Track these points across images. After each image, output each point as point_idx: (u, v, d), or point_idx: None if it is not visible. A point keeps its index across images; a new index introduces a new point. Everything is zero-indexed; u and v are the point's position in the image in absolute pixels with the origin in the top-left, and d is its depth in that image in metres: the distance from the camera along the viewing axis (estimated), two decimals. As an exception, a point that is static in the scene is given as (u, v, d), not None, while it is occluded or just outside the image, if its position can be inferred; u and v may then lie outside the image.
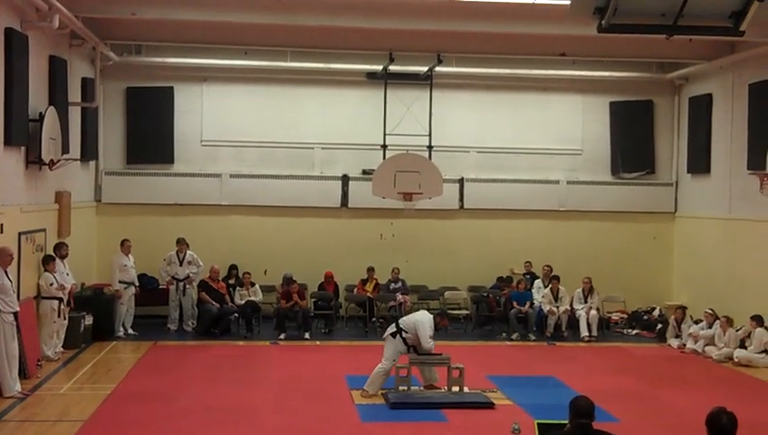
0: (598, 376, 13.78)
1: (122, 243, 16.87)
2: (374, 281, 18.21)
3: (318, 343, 16.58)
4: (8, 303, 11.49)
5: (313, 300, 17.97)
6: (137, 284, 17.07)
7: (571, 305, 17.79)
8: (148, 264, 17.48)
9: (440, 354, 12.24)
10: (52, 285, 13.69)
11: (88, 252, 17.57)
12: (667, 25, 13.30)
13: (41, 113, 13.72)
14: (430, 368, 12.37)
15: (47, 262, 13.71)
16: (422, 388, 12.28)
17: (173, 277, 17.34)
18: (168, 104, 18.96)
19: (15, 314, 11.61)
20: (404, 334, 12.14)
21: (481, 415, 11.10)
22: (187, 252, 17.47)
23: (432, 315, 12.57)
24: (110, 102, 18.81)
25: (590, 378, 13.42)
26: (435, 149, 18.57)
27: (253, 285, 17.67)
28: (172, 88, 18.99)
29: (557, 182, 19.92)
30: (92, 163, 18.32)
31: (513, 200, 19.62)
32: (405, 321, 12.48)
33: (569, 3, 9.74)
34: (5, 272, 11.56)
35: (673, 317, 17.22)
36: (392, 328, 12.38)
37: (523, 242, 19.53)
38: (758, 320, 15.16)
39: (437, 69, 18.20)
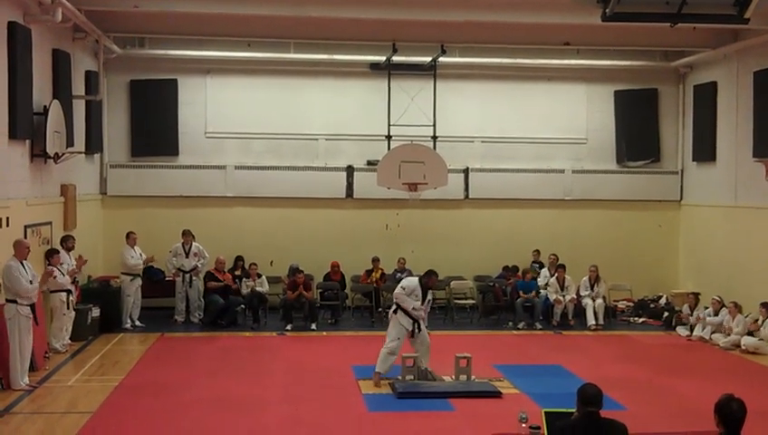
0: (605, 365, 13.77)
1: (128, 235, 16.92)
2: (379, 271, 18.23)
3: (324, 333, 16.61)
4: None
5: (320, 290, 18.00)
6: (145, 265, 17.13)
7: (577, 294, 17.80)
8: (154, 256, 17.45)
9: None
10: (55, 277, 13.66)
11: (94, 244, 17.58)
12: (671, 14, 13.33)
13: (45, 107, 13.73)
14: (423, 353, 12.39)
15: (51, 255, 13.62)
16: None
17: (179, 269, 17.37)
18: (172, 96, 18.95)
19: (32, 306, 11.66)
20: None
21: (488, 404, 11.11)
22: (193, 244, 17.49)
23: (417, 277, 12.81)
24: (114, 95, 18.81)
25: (596, 366, 13.41)
26: (439, 139, 18.55)
27: (259, 276, 17.70)
28: (176, 80, 18.98)
29: (562, 171, 19.91)
30: (97, 156, 18.35)
31: (518, 190, 19.62)
32: None
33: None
34: (22, 263, 11.61)
35: (686, 305, 17.13)
36: (393, 306, 12.59)
37: (529, 231, 19.54)
38: (768, 307, 15.16)
39: (441, 59, 18.15)
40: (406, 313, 12.34)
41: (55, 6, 13.49)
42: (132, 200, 18.70)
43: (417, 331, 12.36)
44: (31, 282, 11.66)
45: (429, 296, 12.64)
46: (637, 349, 15.60)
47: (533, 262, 18.94)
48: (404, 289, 12.45)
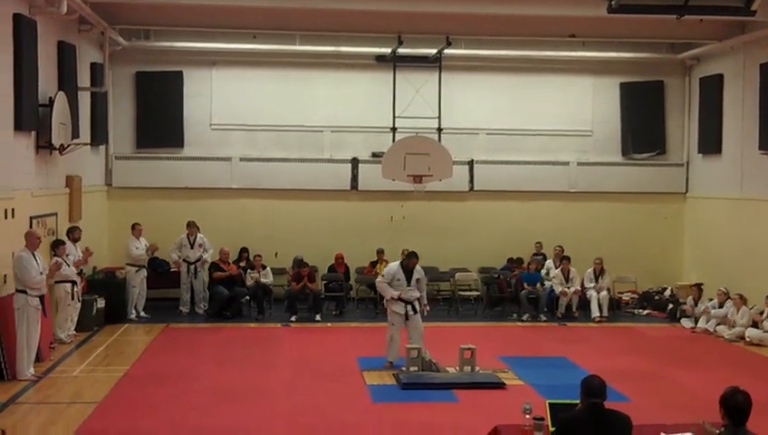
0: (609, 356, 13.77)
1: (133, 226, 16.96)
2: (383, 263, 18.20)
3: (329, 324, 16.64)
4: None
5: (324, 282, 18.02)
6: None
7: (582, 286, 17.80)
8: (157, 244, 17.42)
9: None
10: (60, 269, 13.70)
11: (99, 236, 17.61)
12: (677, 5, 13.29)
13: (50, 98, 13.74)
14: (416, 339, 12.56)
15: (57, 246, 13.63)
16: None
17: (184, 260, 17.41)
18: (178, 88, 18.95)
19: (41, 297, 11.70)
20: None
21: (492, 395, 11.14)
22: (198, 235, 17.51)
23: (397, 262, 13.10)
24: (120, 87, 18.82)
25: (601, 358, 13.41)
26: (444, 131, 18.54)
27: (264, 267, 17.73)
28: (181, 72, 18.98)
29: (567, 164, 19.87)
30: (102, 148, 18.36)
31: (523, 182, 19.59)
32: None
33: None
34: (33, 254, 11.65)
35: (690, 297, 17.14)
36: None
37: (534, 223, 19.51)
38: (775, 299, 15.13)
39: (446, 51, 18.10)
40: (398, 297, 12.59)
41: (61, -2, 13.50)
42: (137, 192, 18.71)
43: (411, 313, 12.60)
44: (42, 273, 11.71)
45: (416, 276, 12.78)
46: (641, 341, 15.60)
47: (535, 254, 18.92)
48: (384, 277, 12.82)
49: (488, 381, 11.71)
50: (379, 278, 13.12)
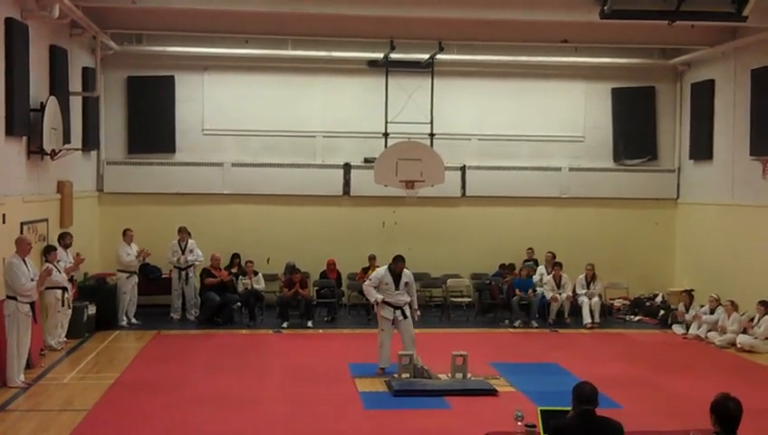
0: (601, 363, 13.77)
1: (124, 232, 16.91)
2: (375, 269, 18.16)
3: (321, 331, 16.61)
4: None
5: (316, 288, 17.99)
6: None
7: (573, 292, 17.80)
8: (147, 250, 17.34)
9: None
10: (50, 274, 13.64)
11: (90, 242, 17.54)
12: (669, 11, 13.32)
13: (42, 103, 13.70)
14: (407, 344, 12.60)
15: (48, 252, 13.57)
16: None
17: (175, 266, 17.36)
18: (170, 93, 18.92)
19: (32, 304, 11.65)
20: None
21: (484, 402, 11.12)
22: (189, 241, 17.46)
23: (385, 266, 13.09)
24: (111, 92, 18.77)
25: (592, 365, 13.41)
26: (436, 136, 18.53)
27: (256, 273, 17.68)
28: (173, 77, 18.95)
29: (559, 169, 19.89)
30: (94, 153, 18.31)
31: (515, 188, 19.60)
32: None
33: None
34: (24, 260, 11.60)
35: (682, 303, 17.16)
36: None
37: (526, 229, 19.53)
38: (766, 305, 15.12)
39: (439, 56, 18.13)
40: (386, 302, 12.61)
41: (53, 2, 13.44)
42: (129, 197, 18.66)
43: (400, 318, 12.62)
44: (32, 280, 11.65)
45: (405, 279, 12.79)
46: (633, 347, 15.61)
47: (527, 260, 18.94)
48: (371, 280, 12.87)
49: (480, 387, 11.69)
50: (366, 282, 13.13)
